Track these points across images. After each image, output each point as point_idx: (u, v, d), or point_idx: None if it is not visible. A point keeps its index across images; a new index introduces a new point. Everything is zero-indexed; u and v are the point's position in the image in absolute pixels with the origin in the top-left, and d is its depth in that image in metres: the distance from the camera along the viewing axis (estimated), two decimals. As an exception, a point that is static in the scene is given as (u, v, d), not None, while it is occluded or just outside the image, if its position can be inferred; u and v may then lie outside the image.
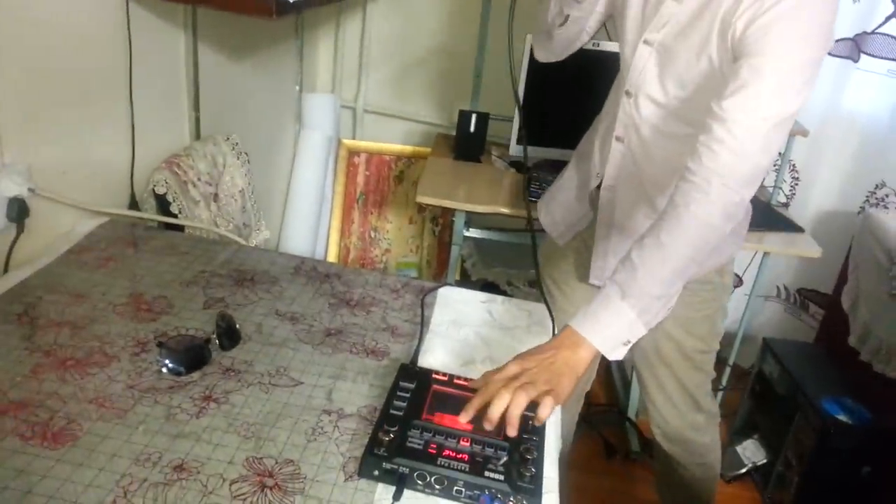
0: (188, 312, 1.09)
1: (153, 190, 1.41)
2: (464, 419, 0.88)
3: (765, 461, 2.03)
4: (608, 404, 2.33)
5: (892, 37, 2.09)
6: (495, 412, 0.86)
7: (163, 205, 1.42)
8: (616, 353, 0.97)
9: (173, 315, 1.08)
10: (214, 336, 1.00)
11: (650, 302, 0.97)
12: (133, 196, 1.42)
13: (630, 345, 0.98)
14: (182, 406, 0.89)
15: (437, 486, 0.81)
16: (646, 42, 1.13)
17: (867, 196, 2.24)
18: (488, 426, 0.86)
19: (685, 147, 1.02)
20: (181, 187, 1.45)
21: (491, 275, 2.44)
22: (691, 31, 1.06)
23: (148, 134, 1.44)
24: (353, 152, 2.55)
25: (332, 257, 2.56)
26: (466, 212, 1.89)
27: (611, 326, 0.96)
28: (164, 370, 0.94)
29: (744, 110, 0.96)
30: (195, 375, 0.95)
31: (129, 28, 1.32)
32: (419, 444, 0.84)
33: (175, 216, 1.43)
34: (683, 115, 1.12)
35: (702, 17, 1.04)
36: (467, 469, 0.82)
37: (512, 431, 0.86)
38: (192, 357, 0.96)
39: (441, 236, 2.59)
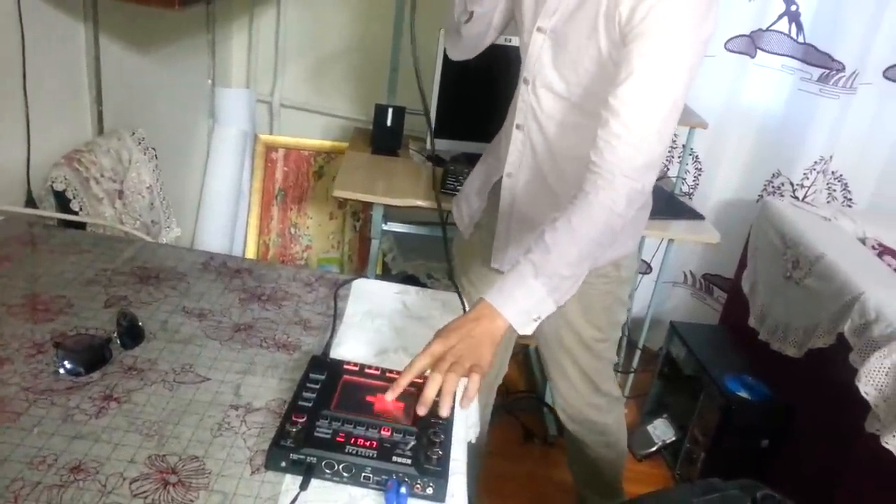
0: (88, 312, 1.05)
1: (51, 187, 1.35)
2: (390, 397, 0.90)
3: (674, 439, 2.12)
4: (526, 391, 2.39)
5: (785, 34, 2.22)
6: (430, 394, 0.89)
7: (62, 202, 1.36)
8: (527, 328, 1.02)
9: (72, 315, 1.04)
10: (115, 335, 0.98)
11: (560, 281, 1.03)
12: (30, 193, 1.36)
13: (539, 321, 1.03)
14: (80, 407, 0.87)
15: (346, 474, 0.82)
16: (539, 29, 1.17)
17: (765, 185, 2.36)
18: (422, 410, 0.88)
19: (580, 137, 1.07)
20: (82, 184, 1.40)
21: (411, 268, 2.46)
22: (579, 17, 1.10)
23: (46, 128, 1.38)
24: (270, 148, 2.51)
25: (250, 255, 2.51)
26: (384, 205, 1.90)
27: (523, 302, 1.01)
28: (62, 371, 0.91)
29: (636, 100, 1.01)
30: (95, 375, 0.92)
31: (20, 16, 1.26)
32: (327, 434, 0.84)
33: (76, 213, 1.38)
34: (578, 103, 1.17)
35: (588, 2, 1.09)
36: (375, 455, 0.82)
37: (446, 412, 0.89)
38: (92, 357, 0.93)
39: (362, 231, 2.58)
